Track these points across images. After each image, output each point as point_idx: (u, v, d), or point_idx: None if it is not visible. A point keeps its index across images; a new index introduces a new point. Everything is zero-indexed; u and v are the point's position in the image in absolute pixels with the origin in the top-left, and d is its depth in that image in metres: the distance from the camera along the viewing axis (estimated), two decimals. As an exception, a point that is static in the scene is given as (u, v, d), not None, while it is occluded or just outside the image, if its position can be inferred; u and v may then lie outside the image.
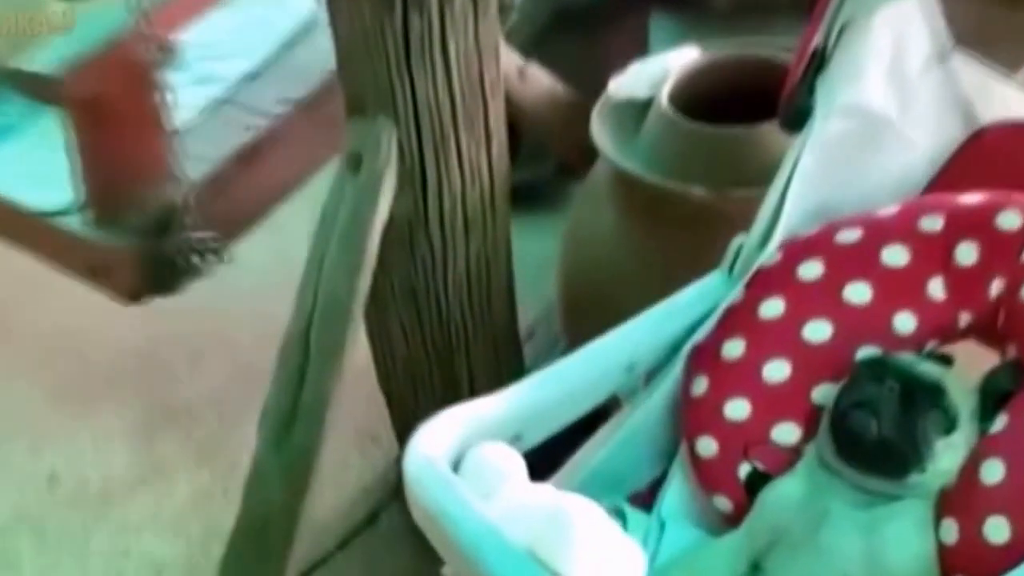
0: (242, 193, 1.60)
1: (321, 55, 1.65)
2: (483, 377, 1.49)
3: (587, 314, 1.53)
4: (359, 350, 1.44)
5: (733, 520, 1.02)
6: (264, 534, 1.30)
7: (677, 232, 1.38)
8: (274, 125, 1.67)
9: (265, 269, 1.73)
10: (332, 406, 1.30)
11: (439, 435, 0.91)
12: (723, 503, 1.03)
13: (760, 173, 1.19)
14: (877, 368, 0.95)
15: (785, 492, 0.97)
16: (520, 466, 0.92)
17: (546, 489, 0.88)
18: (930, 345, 1.02)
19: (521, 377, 1.56)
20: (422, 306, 1.41)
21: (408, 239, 1.37)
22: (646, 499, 1.09)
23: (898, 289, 1.02)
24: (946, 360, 1.00)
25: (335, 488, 1.65)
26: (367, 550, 1.57)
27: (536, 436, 0.99)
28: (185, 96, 1.56)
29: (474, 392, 1.49)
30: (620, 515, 1.06)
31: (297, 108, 1.69)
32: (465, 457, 0.92)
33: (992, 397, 0.95)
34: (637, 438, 1.08)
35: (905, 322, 1.01)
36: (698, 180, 1.35)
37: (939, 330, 1.02)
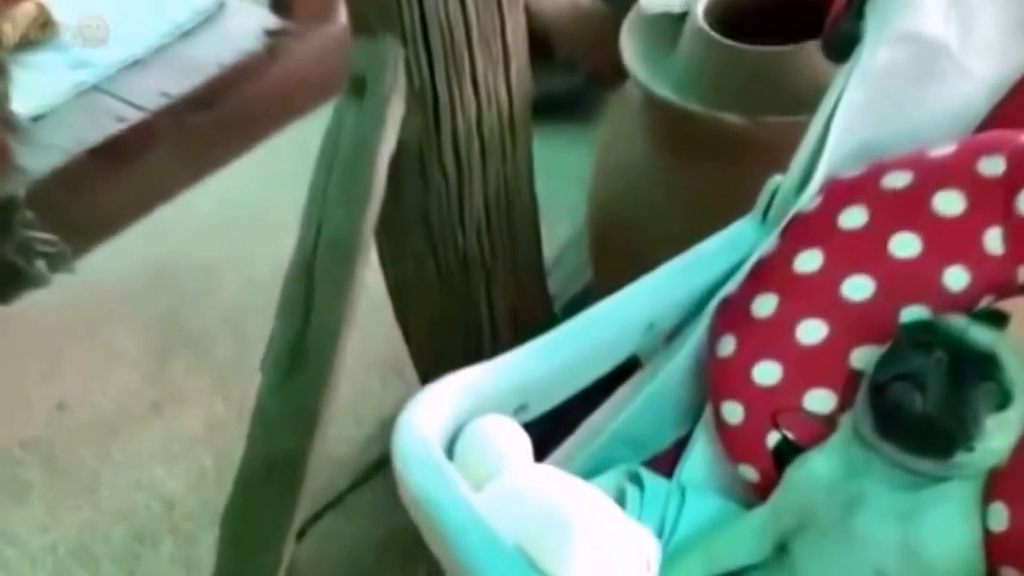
0: (102, 194, 1.41)
1: (220, 49, 1.57)
2: (504, 313, 1.42)
3: (614, 245, 1.45)
4: (378, 278, 1.38)
5: (759, 491, 0.95)
6: (270, 480, 1.25)
7: (711, 162, 1.28)
8: (149, 119, 1.48)
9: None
10: (339, 347, 1.23)
11: (434, 407, 0.84)
12: (749, 473, 0.96)
13: (803, 99, 1.08)
14: (923, 335, 0.87)
15: (816, 469, 0.90)
16: (522, 443, 0.85)
17: (548, 475, 0.82)
18: (984, 302, 0.92)
19: (545, 312, 1.52)
20: (437, 238, 1.33)
21: (420, 167, 1.28)
22: (666, 463, 1.03)
23: (950, 241, 0.93)
24: (1000, 318, 0.91)
25: (355, 422, 1.60)
26: (385, 488, 1.52)
27: (544, 405, 0.92)
28: (54, 80, 1.45)
29: (495, 329, 1.44)
30: (637, 481, 1.00)
31: (181, 104, 1.51)
32: (463, 432, 0.85)
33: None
34: (658, 401, 1.01)
35: (957, 278, 0.92)
36: (735, 105, 1.25)
37: (994, 287, 0.93)
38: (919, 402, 0.83)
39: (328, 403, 1.24)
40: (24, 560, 1.48)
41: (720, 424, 0.98)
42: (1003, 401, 0.84)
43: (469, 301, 1.40)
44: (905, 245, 0.93)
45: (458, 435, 0.85)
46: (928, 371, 0.84)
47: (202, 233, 1.88)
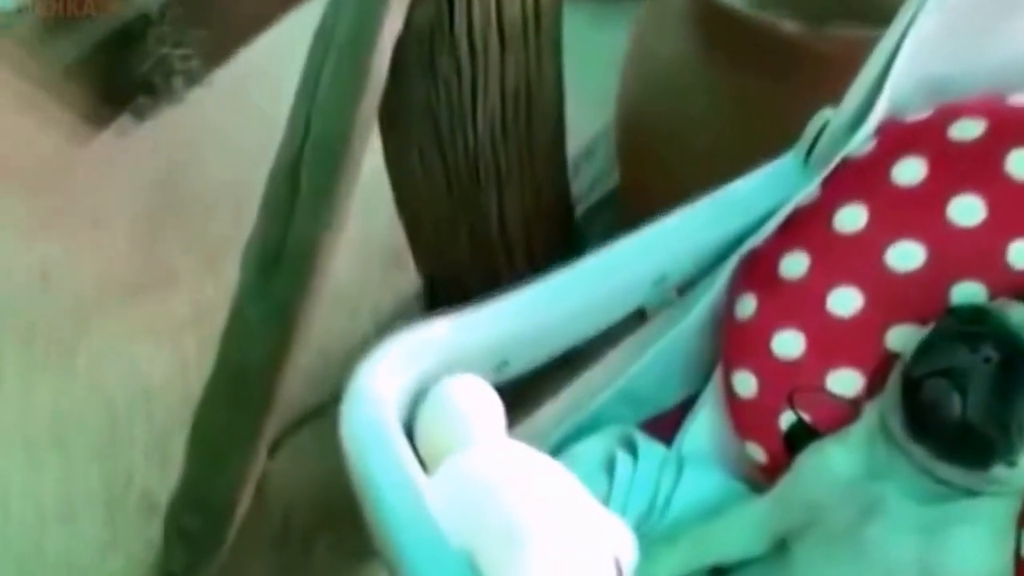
0: (232, 8, 1.33)
1: None
2: (517, 223, 1.32)
3: (641, 153, 1.33)
4: (380, 159, 1.28)
5: (766, 474, 0.86)
6: (241, 387, 1.18)
7: (760, 76, 1.14)
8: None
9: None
10: (322, 253, 1.14)
11: (397, 364, 0.75)
12: (757, 453, 0.87)
13: (876, 13, 0.94)
14: (974, 323, 0.76)
15: (832, 462, 0.80)
16: (494, 412, 0.76)
17: (515, 458, 0.72)
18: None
19: (563, 224, 1.41)
20: (445, 137, 1.22)
21: (428, 56, 1.16)
22: (668, 427, 0.94)
23: (1022, 210, 0.80)
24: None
25: (349, 315, 1.52)
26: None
27: (530, 362, 0.83)
28: None
29: (507, 242, 1.34)
30: (631, 446, 0.91)
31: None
32: (428, 395, 0.76)
33: None
34: (666, 357, 0.91)
35: (1021, 254, 0.80)
36: (792, 10, 1.11)
37: (1071, 271, 0.81)
38: (958, 405, 0.73)
39: (307, 311, 1.16)
40: (-9, 442, 1.44)
41: (730, 394, 0.88)
42: (1057, 414, 0.73)
43: (479, 209, 1.29)
44: (967, 210, 0.81)
45: (423, 396, 0.77)
46: (973, 370, 0.73)
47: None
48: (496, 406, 0.77)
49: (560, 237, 1.40)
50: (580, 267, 0.83)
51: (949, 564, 0.74)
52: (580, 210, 1.49)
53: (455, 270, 1.38)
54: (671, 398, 0.94)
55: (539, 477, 0.70)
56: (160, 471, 1.40)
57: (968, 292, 0.80)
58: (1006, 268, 0.80)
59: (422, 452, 0.75)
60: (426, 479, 0.69)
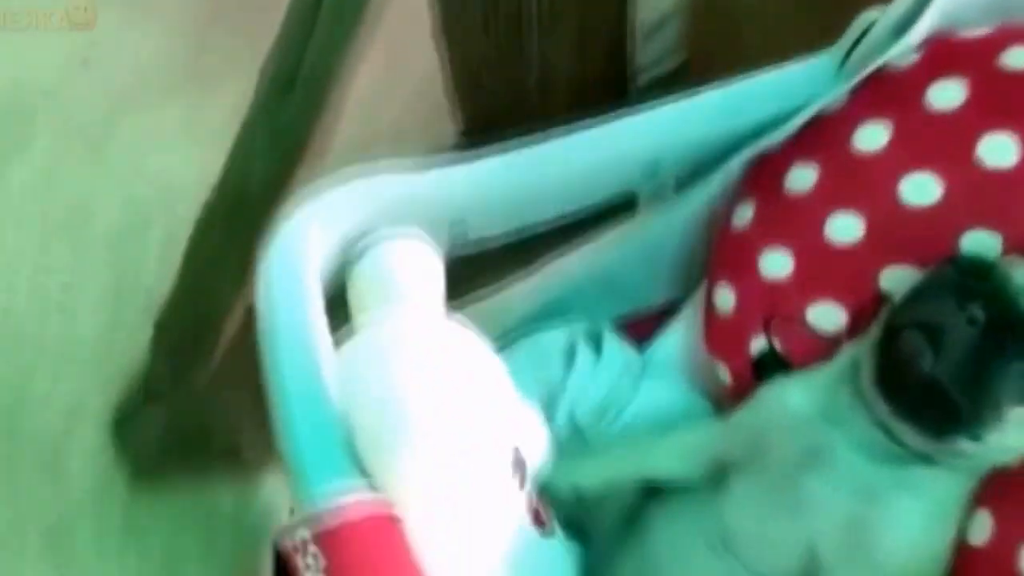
0: None
1: None
2: (560, 79, 1.25)
3: (713, 30, 1.24)
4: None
5: (730, 396, 0.82)
6: (237, 210, 1.17)
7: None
8: None
9: None
10: (336, 76, 1.10)
11: (338, 206, 0.72)
12: (723, 373, 0.82)
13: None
14: (971, 278, 0.69)
15: (789, 397, 0.75)
16: (431, 278, 0.72)
17: (437, 335, 0.68)
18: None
19: (615, 91, 1.34)
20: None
21: None
22: (642, 330, 0.89)
23: (1064, 159, 0.72)
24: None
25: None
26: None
27: (491, 226, 0.78)
28: None
29: (548, 93, 1.27)
30: (596, 341, 0.87)
31: None
32: (366, 248, 0.72)
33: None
34: (654, 252, 0.86)
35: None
36: None
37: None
38: (928, 362, 0.67)
39: (316, 136, 1.13)
40: (8, 222, 1.45)
41: (709, 307, 0.83)
42: (1039, 393, 0.67)
43: (520, 58, 1.23)
44: (1000, 150, 0.73)
45: (366, 248, 0.73)
46: (954, 328, 0.66)
47: None
48: (435, 273, 0.73)
49: (609, 102, 1.33)
50: (563, 139, 0.78)
51: (880, 532, 0.68)
52: (642, 80, 1.41)
53: (489, 121, 1.33)
54: (654, 298, 0.90)
55: (445, 352, 0.65)
56: (170, 276, 1.41)
57: (981, 242, 0.73)
58: (1030, 222, 0.73)
59: (352, 311, 0.72)
60: (330, 344, 0.66)
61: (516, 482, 0.67)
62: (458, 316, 0.72)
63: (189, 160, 1.50)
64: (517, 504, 0.69)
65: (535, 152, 0.77)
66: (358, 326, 0.69)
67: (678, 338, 0.87)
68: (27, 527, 1.22)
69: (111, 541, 1.22)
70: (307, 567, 0.57)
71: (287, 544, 0.58)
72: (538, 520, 0.74)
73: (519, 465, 0.68)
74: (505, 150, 0.77)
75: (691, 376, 0.86)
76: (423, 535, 0.62)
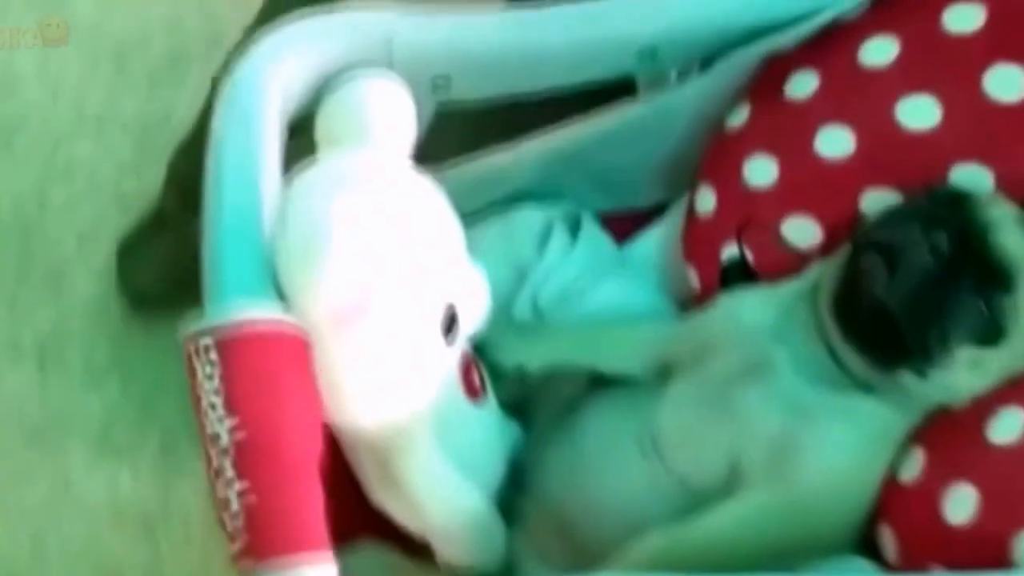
0: None
1: None
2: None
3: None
4: None
5: (695, 303, 0.81)
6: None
7: None
8: None
9: None
10: None
11: (314, 36, 0.71)
12: (693, 279, 0.81)
13: None
14: (945, 208, 0.66)
15: (743, 307, 0.74)
16: (398, 124, 0.71)
17: (388, 172, 0.67)
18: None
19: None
20: None
21: None
22: (628, 227, 0.88)
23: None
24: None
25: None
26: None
27: (474, 89, 0.77)
28: None
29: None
30: (574, 226, 0.86)
31: None
32: (339, 84, 0.71)
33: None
34: (646, 146, 0.84)
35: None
36: None
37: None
38: (882, 285, 0.65)
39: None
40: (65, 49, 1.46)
41: (690, 209, 0.82)
42: (991, 336, 0.65)
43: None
44: (1008, 83, 0.70)
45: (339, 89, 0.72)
46: (914, 254, 0.64)
47: None
48: (404, 117, 0.71)
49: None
50: (559, 7, 0.76)
51: (805, 452, 0.67)
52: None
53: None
54: (644, 197, 0.88)
55: (389, 190, 0.64)
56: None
57: (971, 176, 0.70)
58: (1029, 165, 0.70)
59: (318, 143, 0.72)
60: (277, 173, 0.65)
61: (445, 338, 0.67)
62: (435, 176, 0.71)
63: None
64: (444, 361, 0.68)
65: (528, 16, 0.75)
66: (319, 159, 0.69)
67: (658, 239, 0.86)
68: (22, 332, 1.26)
69: (98, 364, 1.25)
70: (204, 373, 0.57)
71: (189, 348, 0.58)
72: (470, 386, 0.74)
73: (451, 322, 0.67)
74: (498, 10, 0.76)
75: (664, 279, 0.85)
76: (334, 365, 0.62)
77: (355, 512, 0.74)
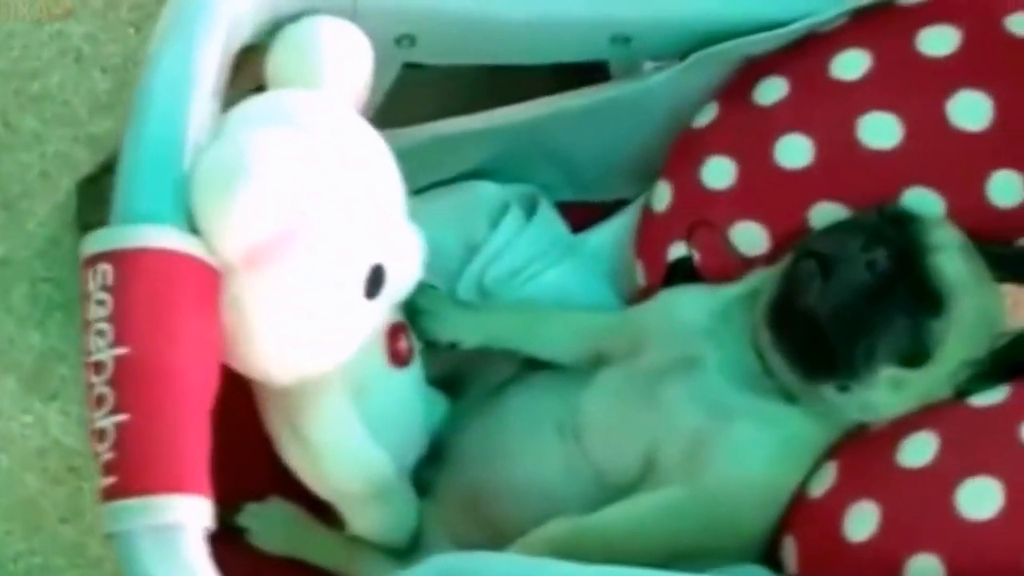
0: None
1: None
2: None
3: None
4: None
5: (639, 299, 0.81)
6: None
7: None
8: None
9: None
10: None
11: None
12: (640, 275, 0.82)
13: None
14: (890, 225, 0.68)
15: (680, 305, 0.75)
16: (352, 72, 0.71)
17: (335, 120, 0.67)
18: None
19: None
20: None
21: None
22: (587, 218, 0.89)
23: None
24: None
25: None
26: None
27: (438, 53, 0.78)
28: None
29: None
30: (531, 209, 0.87)
31: None
32: (297, 24, 0.72)
33: (1015, 359, 0.66)
34: (615, 141, 0.85)
35: (1007, 187, 0.71)
36: None
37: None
38: (814, 293, 0.66)
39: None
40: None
41: (647, 204, 0.83)
42: (916, 358, 0.66)
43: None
44: (972, 110, 0.71)
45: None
46: (850, 267, 0.65)
47: None
48: (359, 65, 0.71)
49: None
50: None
51: (718, 453, 0.68)
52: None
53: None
54: (608, 191, 0.89)
55: (324, 133, 0.64)
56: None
57: (922, 199, 0.72)
58: (981, 195, 0.71)
59: (267, 82, 0.72)
60: (210, 104, 0.65)
61: (368, 297, 0.67)
62: (389, 137, 0.72)
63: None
64: (364, 320, 0.68)
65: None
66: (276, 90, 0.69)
67: (614, 231, 0.87)
68: (-27, 251, 1.26)
69: (43, 301, 1.25)
70: (96, 297, 0.56)
71: (87, 270, 0.58)
72: (395, 352, 0.74)
73: (375, 282, 0.67)
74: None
75: (613, 273, 0.86)
76: (243, 307, 0.62)
77: (267, 472, 0.75)
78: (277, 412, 0.73)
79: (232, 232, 0.59)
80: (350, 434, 0.72)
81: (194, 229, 0.60)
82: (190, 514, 0.54)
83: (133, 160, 0.60)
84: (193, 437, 0.56)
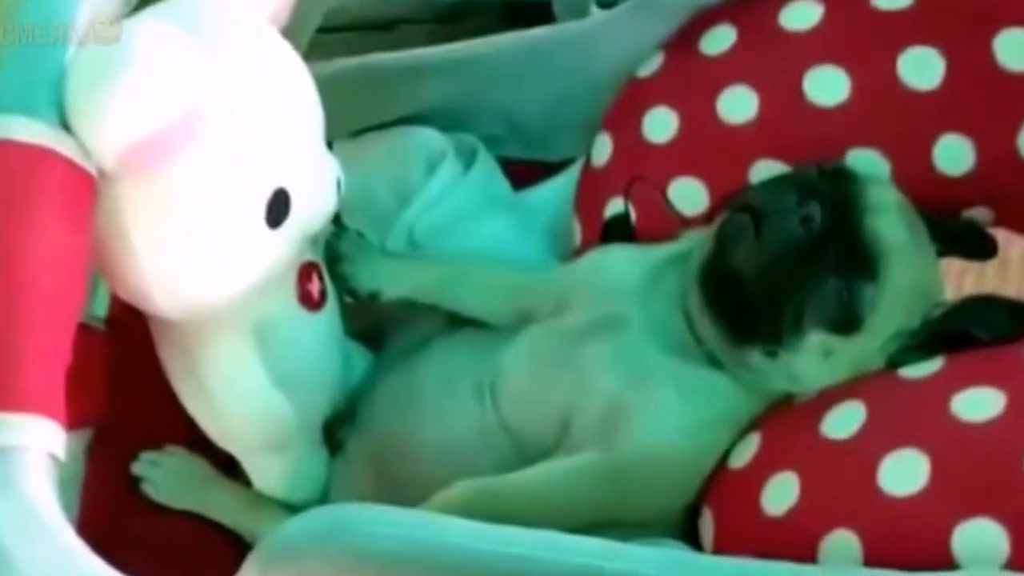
0: None
1: None
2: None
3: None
4: None
5: (574, 254, 0.78)
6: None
7: None
8: None
9: None
10: None
11: None
12: (576, 233, 0.78)
13: None
14: (828, 180, 0.64)
15: (610, 265, 0.71)
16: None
17: (221, 23, 0.62)
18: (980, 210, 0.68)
19: None
20: None
21: None
22: (527, 175, 0.85)
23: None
24: (980, 242, 0.67)
25: None
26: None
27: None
28: None
29: None
30: (468, 157, 0.83)
31: None
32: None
33: (950, 332, 0.62)
34: (560, 97, 0.81)
35: (954, 151, 0.67)
36: None
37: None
38: (744, 249, 0.62)
39: None
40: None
41: (587, 160, 0.79)
42: (847, 324, 0.62)
43: None
44: (924, 68, 0.68)
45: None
46: (783, 221, 0.61)
47: None
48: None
49: None
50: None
51: (634, 417, 0.64)
52: None
53: None
54: (556, 150, 0.85)
55: (234, 50, 0.60)
56: None
57: (867, 160, 0.68)
58: (927, 160, 0.67)
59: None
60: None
61: (270, 225, 0.63)
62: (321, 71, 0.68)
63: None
64: (267, 251, 0.64)
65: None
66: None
67: (555, 190, 0.83)
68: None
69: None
70: None
71: None
72: (305, 293, 0.71)
73: (279, 209, 0.63)
74: None
75: (553, 232, 0.82)
76: (121, 220, 0.58)
77: (173, 418, 0.71)
78: (172, 350, 0.69)
79: (106, 129, 0.55)
80: (250, 379, 0.68)
81: (69, 129, 0.55)
82: (33, 437, 0.50)
83: (7, 47, 0.56)
84: (45, 353, 0.52)
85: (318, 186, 0.67)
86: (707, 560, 0.57)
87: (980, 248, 0.69)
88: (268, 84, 0.63)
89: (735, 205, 0.64)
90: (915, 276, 0.63)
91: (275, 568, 0.54)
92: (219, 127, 0.59)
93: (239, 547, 0.74)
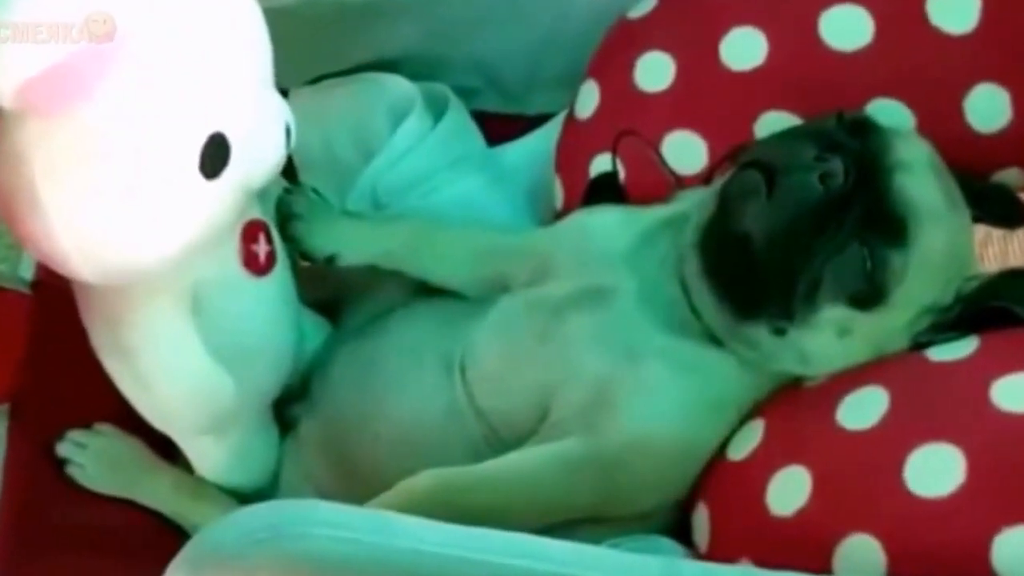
0: None
1: None
2: None
3: None
4: None
5: (556, 217, 0.70)
6: None
7: None
8: None
9: None
10: None
11: None
12: (558, 191, 0.70)
13: None
14: (849, 135, 0.56)
15: (599, 229, 0.63)
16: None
17: None
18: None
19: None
20: None
21: None
22: (504, 130, 0.79)
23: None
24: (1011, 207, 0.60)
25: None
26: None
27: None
28: None
29: None
30: (440, 109, 0.75)
31: None
32: None
33: (985, 309, 0.55)
34: (538, 48, 0.76)
35: (989, 102, 0.60)
36: None
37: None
38: (754, 210, 0.54)
39: None
40: None
41: (570, 112, 0.71)
42: (869, 298, 0.54)
43: None
44: (957, 7, 0.60)
45: None
46: (800, 175, 0.53)
47: None
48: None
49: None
50: None
51: (626, 403, 0.57)
52: None
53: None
54: (535, 103, 0.79)
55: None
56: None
57: (891, 111, 0.60)
58: (958, 113, 0.60)
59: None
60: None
61: (206, 175, 0.55)
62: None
63: None
64: (202, 204, 0.56)
65: None
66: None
67: (535, 145, 0.76)
68: None
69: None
70: None
71: None
72: (250, 256, 0.63)
73: (217, 156, 0.55)
74: None
75: (532, 192, 0.75)
76: (24, 169, 0.50)
77: (101, 397, 0.64)
78: (97, 321, 0.60)
79: (3, 66, 0.47)
80: (187, 352, 0.60)
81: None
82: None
83: None
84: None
85: (263, 132, 0.58)
86: (703, 571, 0.49)
87: (1008, 215, 0.62)
88: (204, 9, 0.54)
89: (743, 161, 0.56)
90: (948, 243, 0.55)
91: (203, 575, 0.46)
92: (142, 58, 0.50)
93: (181, 537, 0.67)
